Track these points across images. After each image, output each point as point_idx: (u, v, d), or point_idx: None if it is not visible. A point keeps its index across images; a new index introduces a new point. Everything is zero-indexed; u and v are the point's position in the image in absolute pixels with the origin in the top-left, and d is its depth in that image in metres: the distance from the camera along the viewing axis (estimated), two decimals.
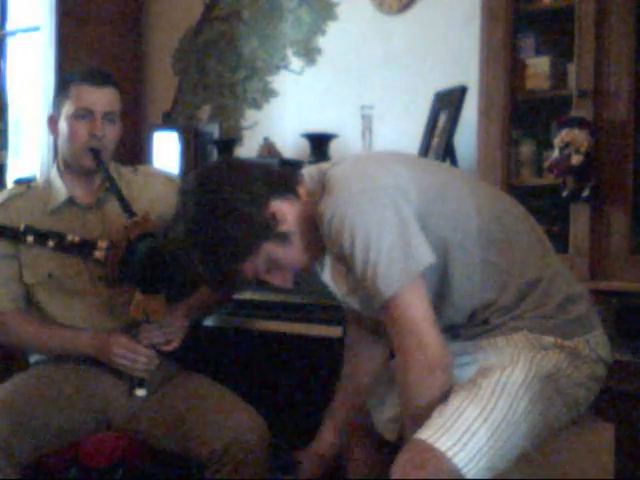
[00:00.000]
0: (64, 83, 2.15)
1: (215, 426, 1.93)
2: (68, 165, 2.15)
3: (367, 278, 1.49)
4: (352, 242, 1.49)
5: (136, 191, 2.17)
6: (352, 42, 3.12)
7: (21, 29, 3.78)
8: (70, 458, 2.02)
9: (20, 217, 2.11)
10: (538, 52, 2.53)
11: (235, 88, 3.44)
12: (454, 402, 1.47)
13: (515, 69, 2.49)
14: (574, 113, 2.32)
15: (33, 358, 2.20)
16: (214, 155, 3.21)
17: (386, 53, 3.04)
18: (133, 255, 1.97)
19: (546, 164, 2.38)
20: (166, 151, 3.39)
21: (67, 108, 2.09)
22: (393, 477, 1.44)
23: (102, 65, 3.35)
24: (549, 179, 2.41)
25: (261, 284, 1.65)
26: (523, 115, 2.55)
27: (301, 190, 1.62)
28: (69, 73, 2.27)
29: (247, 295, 2.40)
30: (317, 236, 1.59)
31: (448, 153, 2.60)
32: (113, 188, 2.08)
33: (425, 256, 1.50)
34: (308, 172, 1.66)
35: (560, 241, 2.29)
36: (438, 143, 2.64)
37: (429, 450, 1.42)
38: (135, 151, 3.50)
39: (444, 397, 1.48)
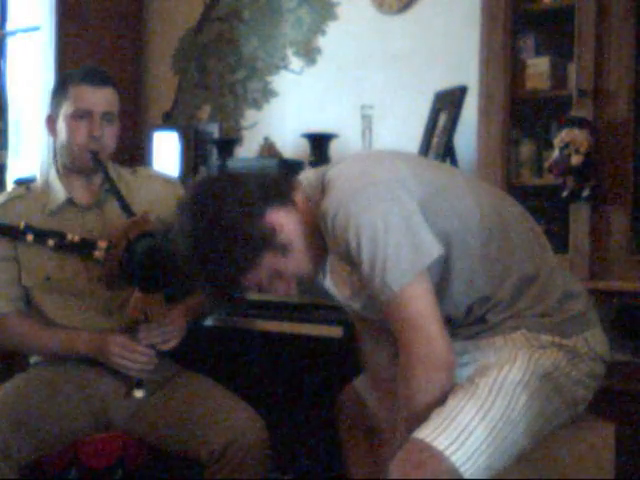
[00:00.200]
0: (62, 83, 2.14)
1: (214, 426, 1.93)
2: (67, 166, 2.15)
3: (375, 274, 1.48)
4: (358, 239, 1.48)
5: (135, 193, 2.17)
6: (352, 42, 3.12)
7: (21, 29, 3.78)
8: (70, 458, 2.02)
9: (20, 218, 2.10)
10: (538, 52, 2.52)
11: (235, 88, 3.44)
12: (452, 401, 1.47)
13: (515, 69, 2.49)
14: (574, 113, 2.32)
15: (33, 359, 2.20)
16: (214, 155, 3.21)
17: (386, 53, 3.04)
18: (132, 255, 1.96)
19: (546, 164, 2.38)
20: (166, 151, 3.39)
21: (65, 108, 2.09)
22: (391, 476, 1.44)
23: (102, 65, 3.35)
24: (549, 179, 2.41)
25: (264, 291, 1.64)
26: (523, 115, 2.55)
27: (298, 197, 1.61)
28: (67, 73, 2.27)
29: (247, 295, 2.40)
30: (318, 242, 1.59)
31: (448, 153, 2.60)
32: (112, 188, 2.08)
33: (432, 249, 1.50)
34: (305, 177, 1.66)
35: (560, 241, 2.29)
36: (438, 143, 2.64)
37: (427, 449, 1.42)
38: (135, 151, 3.50)
39: (445, 395, 1.48)
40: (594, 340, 1.62)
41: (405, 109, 2.97)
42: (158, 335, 2.04)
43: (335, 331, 2.24)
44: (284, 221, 1.57)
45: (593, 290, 1.83)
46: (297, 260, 1.59)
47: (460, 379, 1.54)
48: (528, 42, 2.54)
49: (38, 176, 3.31)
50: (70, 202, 2.14)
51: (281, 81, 3.31)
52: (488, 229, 1.59)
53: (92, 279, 2.10)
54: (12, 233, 2.08)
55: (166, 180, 2.29)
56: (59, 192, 2.15)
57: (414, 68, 2.97)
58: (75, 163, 2.12)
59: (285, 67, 3.30)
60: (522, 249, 1.62)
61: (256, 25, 3.37)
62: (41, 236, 2.07)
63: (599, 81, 2.29)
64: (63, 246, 2.07)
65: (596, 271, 2.29)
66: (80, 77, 2.09)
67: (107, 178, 2.09)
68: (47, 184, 2.18)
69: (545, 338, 1.58)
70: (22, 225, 2.07)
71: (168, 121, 3.58)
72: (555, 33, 2.54)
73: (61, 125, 2.11)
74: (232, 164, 3.00)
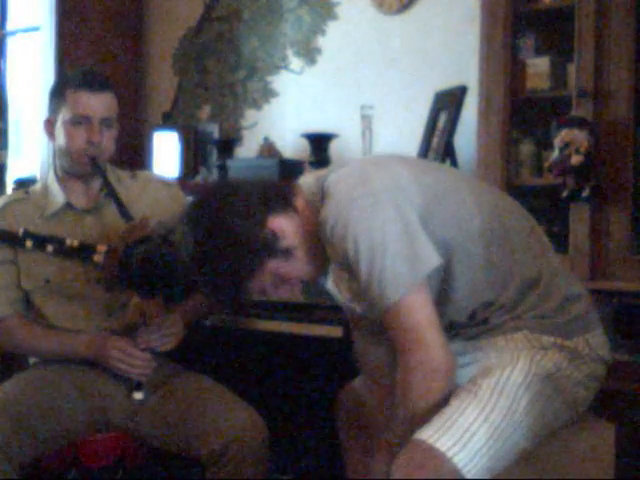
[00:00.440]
0: (60, 87, 2.13)
1: (214, 426, 1.93)
2: (66, 170, 2.15)
3: (373, 284, 1.49)
4: (356, 248, 1.48)
5: (134, 196, 2.17)
6: (352, 42, 3.12)
7: (21, 29, 3.78)
8: (70, 458, 2.02)
9: (18, 222, 2.11)
10: (538, 52, 2.52)
11: (235, 88, 3.44)
12: (454, 402, 1.47)
13: (515, 69, 2.49)
14: (574, 113, 2.32)
15: (32, 359, 2.20)
16: (214, 155, 3.21)
17: (386, 53, 3.04)
18: (130, 259, 1.96)
19: (546, 164, 2.38)
20: (166, 151, 3.39)
21: (64, 114, 2.08)
22: (393, 477, 1.44)
23: (102, 65, 3.35)
24: (549, 179, 2.41)
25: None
26: (523, 115, 2.55)
27: (298, 202, 1.61)
28: (64, 76, 2.26)
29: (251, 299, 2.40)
30: (320, 246, 1.59)
31: (448, 153, 2.60)
32: (111, 192, 2.08)
33: (431, 259, 1.50)
34: (305, 182, 1.66)
35: (560, 241, 2.29)
36: (438, 143, 2.64)
37: (429, 450, 1.42)
38: (135, 151, 3.50)
39: (444, 401, 1.48)
40: (595, 341, 1.62)
41: (405, 109, 2.97)
42: (157, 339, 2.04)
43: (335, 331, 2.24)
44: (286, 227, 1.57)
45: (593, 290, 1.82)
46: (300, 264, 1.59)
47: (462, 380, 1.54)
48: (528, 42, 2.54)
49: (38, 176, 3.32)
50: (68, 206, 2.14)
51: (281, 81, 3.31)
52: (489, 234, 1.59)
53: (91, 282, 2.10)
54: (11, 240, 2.08)
55: (165, 183, 2.29)
56: (58, 196, 2.15)
57: (414, 68, 2.97)
58: (74, 168, 2.12)
59: (285, 67, 3.30)
60: (524, 252, 1.62)
61: (256, 25, 3.37)
62: (40, 242, 2.07)
63: (599, 81, 2.29)
64: (62, 251, 2.08)
65: (596, 271, 2.29)
66: (78, 82, 2.08)
67: (106, 183, 2.09)
68: (46, 188, 2.18)
69: (546, 339, 1.58)
70: (21, 232, 2.07)
71: (168, 121, 3.58)
72: (555, 33, 2.54)
73: (59, 130, 2.10)
74: (232, 164, 3.00)
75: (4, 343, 2.15)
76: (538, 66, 2.48)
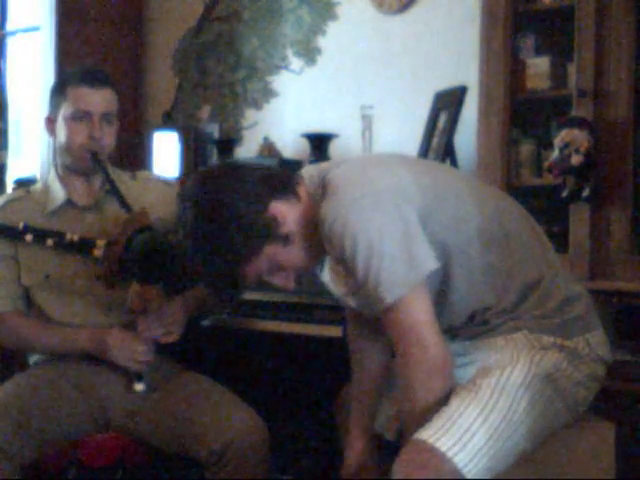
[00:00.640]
0: (61, 84, 2.15)
1: (214, 427, 1.93)
2: (67, 166, 2.15)
3: (369, 284, 1.49)
4: (354, 248, 1.48)
5: (135, 196, 2.17)
6: (352, 42, 3.12)
7: (21, 29, 3.78)
8: (70, 458, 2.02)
9: (19, 219, 2.11)
10: (538, 52, 2.52)
11: (235, 88, 3.44)
12: (454, 402, 1.47)
13: (515, 69, 2.48)
14: (574, 113, 2.32)
15: (32, 359, 2.20)
16: (214, 155, 3.21)
17: (386, 53, 3.04)
18: (130, 247, 1.97)
19: (546, 164, 2.38)
20: (166, 151, 3.38)
21: (64, 110, 2.09)
22: (394, 477, 1.44)
23: (102, 65, 3.35)
24: (549, 179, 2.41)
25: (262, 284, 1.64)
26: (523, 115, 2.55)
27: (301, 191, 1.61)
28: (65, 73, 2.27)
29: (247, 295, 2.40)
30: (318, 237, 1.58)
31: (448, 153, 2.60)
32: (112, 187, 2.09)
33: (428, 262, 1.49)
34: (308, 172, 1.66)
35: (560, 241, 2.29)
36: (438, 143, 2.64)
37: (429, 450, 1.42)
38: (135, 151, 3.50)
39: (444, 401, 1.48)
40: (595, 341, 1.62)
41: (405, 109, 2.97)
42: (157, 327, 2.04)
43: (335, 331, 2.24)
44: (287, 213, 1.57)
45: (593, 290, 1.82)
46: (298, 252, 1.59)
47: (461, 380, 1.54)
48: (528, 42, 2.53)
49: (38, 176, 3.33)
50: (69, 203, 2.15)
51: (281, 81, 3.31)
52: (488, 237, 1.59)
53: (91, 277, 2.10)
54: (11, 234, 2.09)
55: (165, 183, 2.30)
56: (58, 193, 2.15)
57: (414, 68, 2.97)
58: (75, 164, 2.13)
59: (285, 67, 3.30)
60: (524, 254, 1.62)
61: (256, 25, 3.37)
62: (40, 236, 2.08)
63: (599, 81, 2.29)
64: (62, 245, 2.08)
65: (596, 271, 2.29)
66: (79, 78, 2.09)
67: (107, 177, 2.09)
68: (46, 186, 2.19)
69: (546, 339, 1.58)
70: (21, 225, 2.08)
71: (168, 121, 3.58)
72: (555, 33, 2.54)
73: (60, 126, 2.11)
74: None
75: (4, 339, 2.15)
76: (538, 66, 2.48)
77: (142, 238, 1.97)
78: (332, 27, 3.18)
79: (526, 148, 2.54)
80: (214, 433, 1.92)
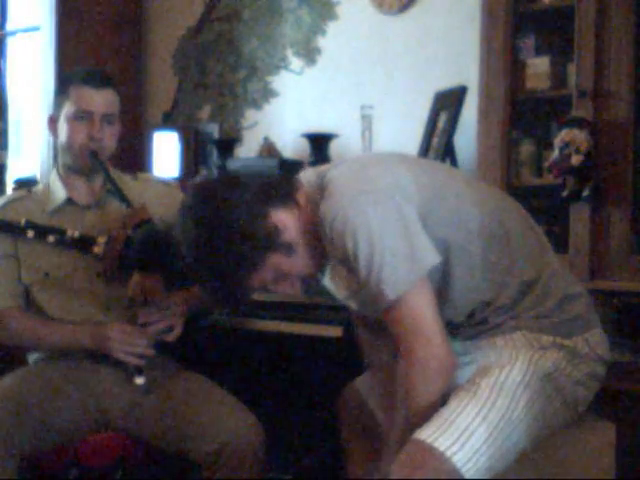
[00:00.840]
0: (63, 83, 2.17)
1: (209, 428, 1.93)
2: (68, 166, 2.17)
3: (371, 281, 1.49)
4: (355, 245, 1.48)
5: (135, 196, 2.18)
6: (352, 42, 3.12)
7: (21, 29, 3.78)
8: (70, 458, 2.02)
9: (20, 218, 2.12)
10: (538, 52, 2.52)
11: (235, 88, 3.44)
12: (453, 402, 1.48)
13: (515, 69, 2.48)
14: (574, 113, 2.31)
15: (32, 357, 2.21)
16: (214, 155, 3.21)
17: (386, 53, 3.04)
18: (131, 240, 1.99)
19: (546, 164, 2.38)
20: (166, 151, 3.39)
21: (67, 109, 2.11)
22: (392, 477, 1.44)
23: (102, 65, 3.35)
24: (549, 179, 2.41)
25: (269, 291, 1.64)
26: (523, 115, 2.55)
27: (300, 197, 1.61)
28: (68, 73, 2.29)
29: (251, 296, 2.40)
30: (319, 242, 1.58)
31: (448, 153, 2.60)
32: (111, 183, 2.10)
33: (430, 257, 1.50)
34: (306, 177, 1.66)
35: (560, 241, 2.29)
36: (438, 143, 2.64)
37: (428, 450, 1.42)
38: (135, 151, 3.50)
39: (445, 397, 1.48)
40: (595, 341, 1.63)
41: (405, 109, 2.97)
42: (158, 319, 2.05)
43: (335, 331, 2.24)
44: (288, 221, 1.57)
45: (593, 290, 1.82)
46: (301, 260, 1.59)
47: (461, 380, 1.54)
48: (528, 42, 2.53)
49: (38, 176, 3.33)
50: (70, 202, 2.16)
51: (281, 81, 3.31)
52: (488, 234, 1.59)
53: (91, 276, 2.11)
54: (13, 230, 2.10)
55: (166, 184, 2.32)
56: (59, 192, 2.17)
57: (414, 68, 2.97)
58: (76, 163, 2.14)
59: (285, 67, 3.29)
60: (523, 252, 1.62)
61: (256, 25, 3.37)
62: (41, 232, 2.09)
63: (599, 81, 2.29)
64: (63, 242, 2.09)
65: (596, 271, 2.29)
66: (81, 78, 2.11)
67: (107, 176, 2.11)
68: (48, 186, 2.21)
69: (546, 339, 1.58)
70: (23, 221, 2.09)
71: (168, 121, 3.58)
72: (555, 33, 2.54)
73: (62, 125, 2.13)
74: (232, 164, 3.00)
75: (5, 336, 2.16)
76: (538, 66, 2.48)
77: (142, 231, 1.99)
78: (332, 27, 3.18)
79: (526, 148, 2.54)
80: (209, 434, 1.92)
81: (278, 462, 2.45)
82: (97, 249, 2.06)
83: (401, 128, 2.96)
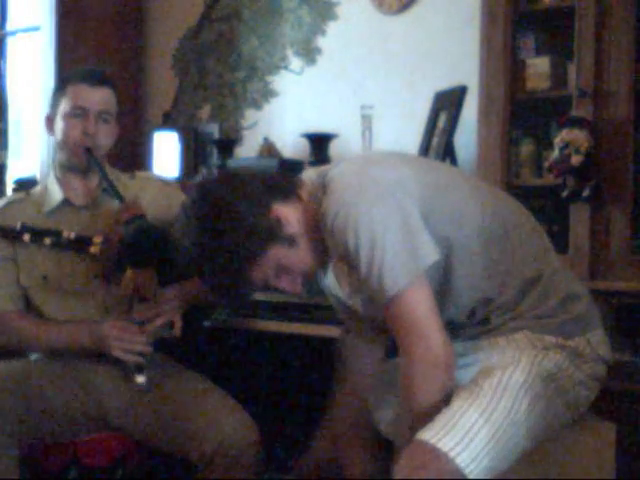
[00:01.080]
0: (62, 82, 2.18)
1: (205, 428, 1.93)
2: (64, 164, 2.17)
3: (372, 277, 1.49)
4: (356, 241, 1.48)
5: (133, 195, 2.17)
6: (352, 42, 3.12)
7: (21, 29, 3.78)
8: (70, 458, 2.02)
9: (17, 220, 2.12)
10: (538, 52, 2.52)
11: (235, 88, 3.44)
12: (456, 402, 1.47)
13: (515, 69, 2.49)
14: (574, 113, 2.32)
15: (32, 357, 2.21)
16: (214, 155, 3.21)
17: (386, 53, 3.04)
18: (124, 233, 1.98)
19: (546, 164, 2.38)
20: (166, 151, 3.39)
21: (63, 106, 2.12)
22: (395, 477, 1.44)
23: (102, 65, 3.35)
24: (549, 179, 2.41)
25: (271, 289, 1.64)
26: (523, 115, 2.55)
27: (302, 193, 1.62)
28: (67, 72, 2.29)
29: (252, 292, 2.40)
30: (321, 238, 1.59)
31: (448, 153, 2.60)
32: (105, 179, 2.10)
33: (430, 253, 1.50)
34: (307, 176, 1.66)
35: (560, 241, 2.29)
36: (438, 143, 2.64)
37: (431, 450, 1.42)
38: (135, 151, 3.50)
39: (447, 396, 1.48)
40: (596, 341, 1.63)
41: (405, 109, 2.97)
42: (154, 314, 2.04)
43: (335, 331, 2.23)
44: (290, 215, 1.57)
45: (593, 290, 1.82)
46: (303, 254, 1.59)
47: (463, 380, 1.54)
48: (528, 42, 2.54)
49: (38, 176, 3.33)
50: (66, 202, 2.16)
51: (281, 81, 3.31)
52: (489, 232, 1.59)
53: (89, 278, 2.11)
54: (9, 234, 2.10)
55: (164, 183, 2.31)
56: (56, 193, 2.17)
57: (414, 68, 2.97)
58: (70, 160, 2.15)
59: (285, 67, 3.30)
60: (524, 251, 1.62)
61: (256, 25, 3.37)
62: (38, 235, 2.09)
63: (599, 81, 2.29)
64: (59, 244, 2.09)
65: (596, 271, 2.29)
66: (79, 77, 2.13)
67: (101, 173, 2.11)
68: (45, 187, 2.21)
69: (548, 339, 1.58)
70: (19, 225, 2.09)
71: (168, 121, 3.58)
72: (555, 33, 2.54)
73: (58, 123, 2.14)
74: (232, 164, 3.00)
75: (7, 339, 2.16)
76: (538, 66, 2.48)
77: (134, 225, 1.99)
78: (332, 27, 3.18)
79: (526, 148, 2.54)
80: (205, 435, 1.92)
81: (278, 462, 2.45)
82: (94, 249, 2.06)
83: (401, 128, 2.96)
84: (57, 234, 2.09)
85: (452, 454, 1.41)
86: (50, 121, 2.17)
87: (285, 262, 1.57)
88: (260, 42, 3.36)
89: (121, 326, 2.04)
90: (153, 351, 2.06)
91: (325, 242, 1.58)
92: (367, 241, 1.48)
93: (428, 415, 1.46)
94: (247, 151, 3.32)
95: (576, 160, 2.26)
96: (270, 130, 3.28)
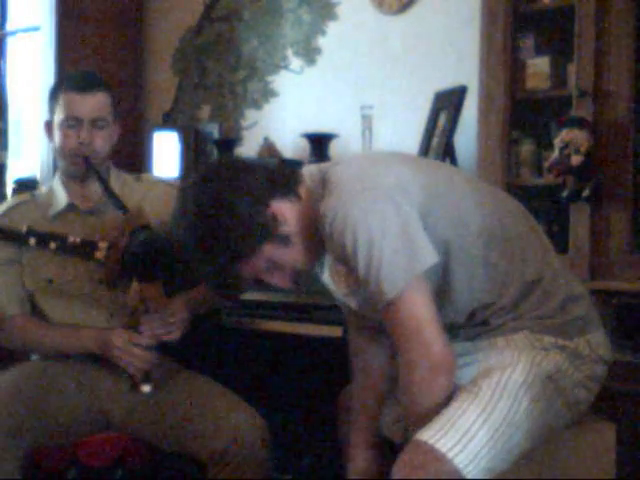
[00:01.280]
0: (55, 89, 2.17)
1: (215, 427, 1.93)
2: (63, 172, 2.19)
3: (370, 279, 1.49)
4: (354, 243, 1.48)
5: (138, 198, 2.18)
6: (352, 42, 3.12)
7: (21, 29, 3.79)
8: (70, 458, 2.02)
9: (23, 223, 2.12)
10: (538, 52, 2.52)
11: (235, 88, 3.44)
12: (455, 403, 1.47)
13: (515, 69, 2.49)
14: (574, 113, 2.32)
15: (33, 357, 2.21)
16: (214, 155, 3.21)
17: (386, 53, 3.04)
18: (129, 247, 1.98)
19: (546, 164, 2.38)
20: (166, 151, 3.39)
21: (58, 116, 2.12)
22: (394, 478, 1.44)
23: (102, 65, 3.35)
24: (549, 179, 2.41)
25: (260, 284, 1.64)
26: (523, 115, 2.55)
27: (302, 190, 1.61)
28: (60, 78, 2.28)
29: (247, 295, 2.40)
30: (318, 236, 1.58)
31: (448, 153, 2.60)
32: (105, 188, 2.09)
33: (428, 256, 1.49)
34: (308, 171, 1.66)
35: (560, 241, 2.29)
36: (438, 143, 2.64)
37: (430, 451, 1.42)
38: (135, 151, 3.50)
39: (447, 398, 1.48)
40: (596, 342, 1.62)
41: (405, 109, 2.97)
42: (159, 326, 2.04)
43: (335, 331, 2.24)
44: (287, 212, 1.57)
45: (593, 290, 1.82)
46: (296, 252, 1.59)
47: (462, 380, 1.53)
48: (528, 42, 2.53)
49: (38, 177, 3.33)
50: (72, 207, 2.16)
51: (281, 81, 3.31)
52: (489, 235, 1.59)
53: (94, 281, 2.11)
54: (15, 237, 2.10)
55: (169, 185, 2.31)
56: (61, 197, 2.17)
57: (414, 68, 2.97)
58: (69, 169, 2.16)
59: (285, 67, 3.30)
60: (524, 253, 1.62)
61: (256, 25, 3.37)
62: (43, 239, 2.09)
63: (599, 81, 2.29)
64: (65, 248, 2.09)
65: (596, 271, 2.29)
66: (69, 84, 2.12)
67: (100, 181, 2.10)
68: (51, 190, 2.21)
69: (547, 339, 1.58)
70: (24, 229, 2.09)
71: (168, 121, 3.58)
72: (555, 33, 2.54)
73: (55, 132, 2.14)
74: None
75: (13, 341, 2.16)
76: (538, 66, 2.48)
77: (139, 237, 1.98)
78: (332, 27, 3.18)
79: (526, 148, 2.54)
80: (216, 433, 1.92)
81: (278, 462, 2.45)
82: (99, 254, 2.06)
83: (401, 128, 2.96)
84: (63, 239, 2.09)
85: (450, 455, 1.41)
86: (49, 127, 2.17)
87: (277, 259, 1.57)
88: (260, 42, 3.36)
89: (126, 337, 2.03)
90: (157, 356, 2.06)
91: (320, 241, 1.58)
92: (365, 244, 1.47)
93: (428, 418, 1.46)
94: (247, 151, 3.32)
95: (576, 160, 2.27)
96: (270, 130, 3.28)
